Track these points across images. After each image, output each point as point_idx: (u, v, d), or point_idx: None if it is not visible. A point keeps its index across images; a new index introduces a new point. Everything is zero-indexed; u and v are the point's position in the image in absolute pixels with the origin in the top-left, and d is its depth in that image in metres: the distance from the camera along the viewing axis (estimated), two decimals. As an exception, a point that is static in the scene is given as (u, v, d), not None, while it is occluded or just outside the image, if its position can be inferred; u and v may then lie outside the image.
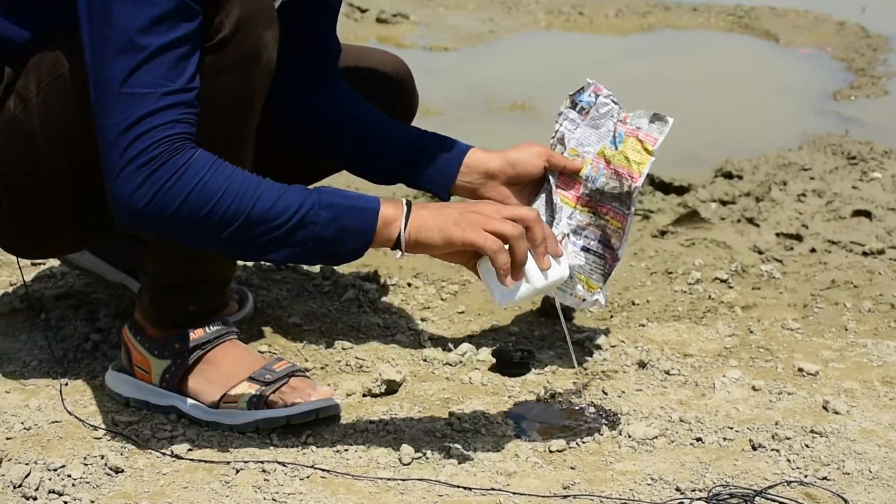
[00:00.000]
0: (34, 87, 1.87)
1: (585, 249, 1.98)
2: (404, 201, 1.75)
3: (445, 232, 1.73)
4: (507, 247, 1.72)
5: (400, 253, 1.76)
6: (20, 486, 1.72)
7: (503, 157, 2.06)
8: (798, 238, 3.05)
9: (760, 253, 2.94)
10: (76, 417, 1.94)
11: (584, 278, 1.97)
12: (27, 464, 1.77)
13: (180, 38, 1.66)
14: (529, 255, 1.75)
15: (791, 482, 1.77)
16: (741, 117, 4.55)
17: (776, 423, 1.97)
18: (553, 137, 2.06)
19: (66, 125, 1.86)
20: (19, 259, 2.30)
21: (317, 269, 2.70)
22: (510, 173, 2.05)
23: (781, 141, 4.07)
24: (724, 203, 3.34)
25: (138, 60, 1.64)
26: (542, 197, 2.03)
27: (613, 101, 2.03)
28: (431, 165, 2.08)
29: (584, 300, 1.98)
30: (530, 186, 2.07)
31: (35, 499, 1.70)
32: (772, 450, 1.88)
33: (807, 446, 1.89)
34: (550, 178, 2.02)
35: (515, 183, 2.06)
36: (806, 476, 1.80)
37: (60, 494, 1.71)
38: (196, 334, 1.96)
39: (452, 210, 1.76)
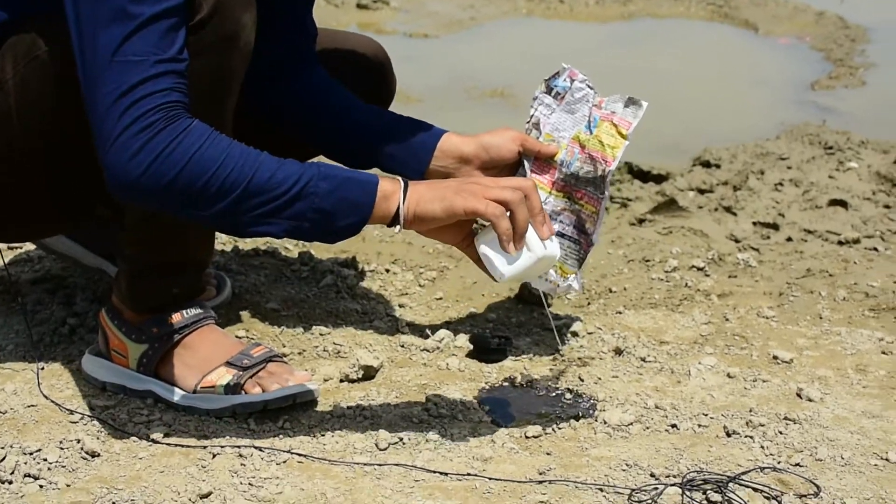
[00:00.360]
0: (10, 69, 1.85)
1: (560, 235, 1.99)
2: (401, 178, 1.76)
3: (446, 202, 1.73)
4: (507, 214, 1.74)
5: (398, 228, 1.74)
6: (-4, 469, 1.72)
7: (477, 141, 2.06)
8: (774, 227, 3.07)
9: (737, 241, 2.95)
10: (52, 401, 1.94)
11: (558, 264, 1.98)
12: (3, 447, 1.76)
13: (170, 8, 1.65)
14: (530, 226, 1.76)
15: (764, 468, 1.79)
16: (720, 107, 4.57)
17: (750, 410, 1.99)
18: (528, 122, 2.07)
19: (43, 107, 1.85)
20: None
21: (295, 254, 2.70)
22: (484, 157, 2.06)
23: (760, 130, 4.09)
24: (701, 192, 3.35)
25: (130, 29, 1.62)
26: None
27: (589, 86, 2.04)
28: (405, 150, 2.08)
29: (558, 286, 2.00)
30: (506, 171, 2.07)
31: (10, 482, 1.69)
32: (746, 436, 1.90)
33: (780, 433, 1.91)
34: (525, 162, 2.03)
35: (490, 167, 2.07)
36: (779, 462, 1.82)
37: (36, 478, 1.71)
38: (174, 318, 1.96)
39: (450, 182, 1.78)
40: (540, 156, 2.02)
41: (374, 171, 1.90)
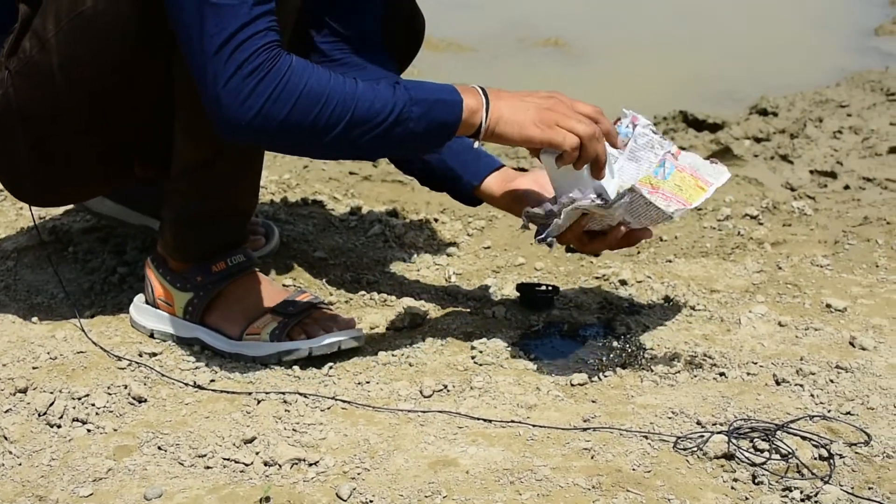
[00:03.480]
0: (52, 27, 1.83)
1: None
2: (479, 89, 1.79)
3: (525, 130, 1.78)
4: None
5: (476, 143, 1.81)
6: (45, 413, 1.74)
7: (533, 177, 2.04)
8: (832, 175, 3.00)
9: (793, 190, 2.90)
10: (101, 348, 1.96)
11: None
12: (52, 392, 1.79)
13: None
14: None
15: (814, 417, 1.76)
16: (778, 53, 4.47)
17: (801, 359, 1.95)
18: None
19: (88, 64, 1.83)
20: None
21: (343, 204, 2.70)
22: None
23: (819, 77, 4.00)
24: (757, 140, 3.29)
25: None
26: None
27: (652, 131, 1.94)
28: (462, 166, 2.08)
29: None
30: None
31: (59, 426, 1.72)
32: (795, 385, 1.87)
33: (831, 381, 1.87)
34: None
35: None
36: (829, 411, 1.79)
37: (84, 423, 1.73)
38: (218, 267, 1.97)
39: (528, 106, 1.79)
40: (608, 138, 1.86)
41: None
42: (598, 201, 1.82)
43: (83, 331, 2.00)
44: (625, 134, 1.93)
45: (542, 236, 1.84)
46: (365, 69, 2.10)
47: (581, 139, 1.78)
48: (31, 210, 2.25)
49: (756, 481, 1.60)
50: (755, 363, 1.94)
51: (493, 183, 2.05)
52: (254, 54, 1.64)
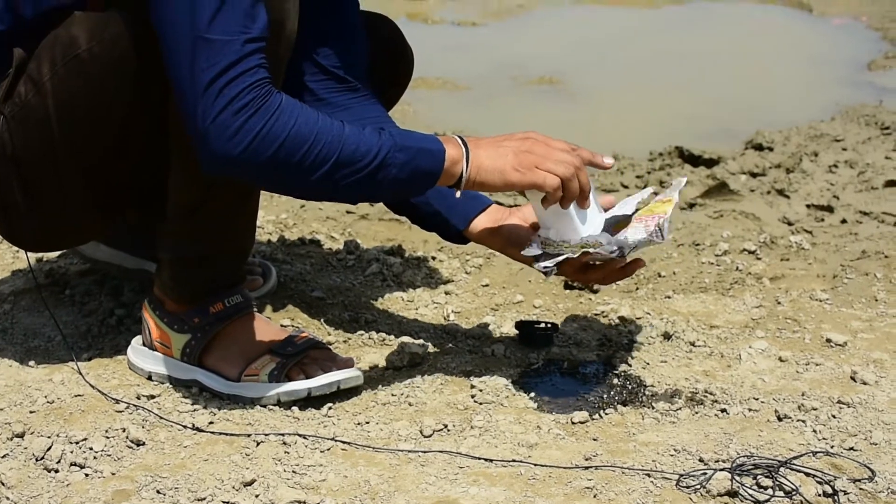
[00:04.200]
0: (47, 70, 1.82)
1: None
2: (459, 139, 1.80)
3: (506, 176, 1.79)
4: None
5: (457, 193, 1.83)
6: (42, 458, 1.72)
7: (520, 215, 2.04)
8: (829, 209, 3.01)
9: (790, 224, 2.90)
10: (98, 391, 1.94)
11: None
12: (49, 436, 1.77)
13: None
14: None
15: (817, 453, 1.75)
16: (773, 89, 4.50)
17: (803, 394, 1.94)
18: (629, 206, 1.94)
19: (83, 107, 1.83)
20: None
21: (340, 243, 2.70)
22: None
23: (814, 112, 4.02)
24: (754, 175, 3.30)
25: (216, 6, 1.64)
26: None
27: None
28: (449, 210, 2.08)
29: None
30: None
31: (57, 471, 1.70)
32: (798, 420, 1.86)
33: (833, 417, 1.86)
34: None
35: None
36: (832, 447, 1.77)
37: (82, 467, 1.72)
38: (215, 308, 1.96)
39: (506, 152, 1.80)
40: (593, 164, 1.90)
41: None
42: (615, 253, 1.82)
43: (80, 374, 1.99)
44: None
45: (547, 265, 1.84)
46: (351, 109, 2.10)
47: (561, 179, 1.79)
48: (26, 254, 2.24)
49: (760, 519, 1.59)
50: (756, 399, 1.93)
51: (481, 224, 2.04)
52: (245, 91, 1.65)
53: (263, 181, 1.78)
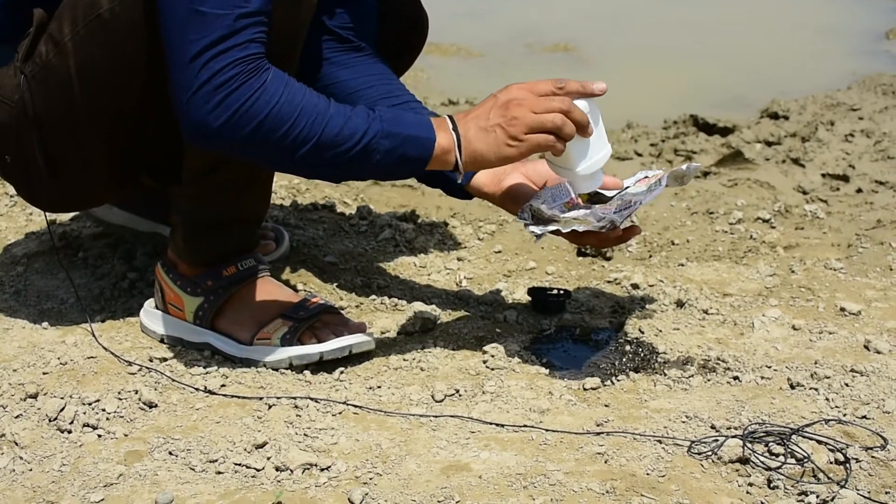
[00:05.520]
0: (68, 30, 1.83)
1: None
2: (450, 125, 1.77)
3: (501, 154, 1.77)
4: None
5: (458, 177, 1.87)
6: (55, 419, 1.73)
7: (524, 171, 2.02)
8: (844, 178, 2.99)
9: (805, 193, 2.88)
10: (111, 353, 1.95)
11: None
12: (62, 398, 1.78)
13: None
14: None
15: (829, 421, 1.74)
16: (790, 58, 4.46)
17: (815, 362, 1.94)
18: (622, 190, 1.91)
19: (104, 67, 1.83)
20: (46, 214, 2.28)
21: (353, 208, 2.69)
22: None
23: (830, 81, 3.99)
24: (769, 144, 3.27)
25: None
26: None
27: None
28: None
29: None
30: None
31: (70, 432, 1.71)
32: (810, 388, 1.85)
33: (846, 385, 1.86)
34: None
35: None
36: (845, 415, 1.77)
37: (94, 428, 1.73)
38: (228, 271, 1.96)
39: (494, 127, 1.76)
40: (585, 94, 1.83)
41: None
42: (606, 228, 1.81)
43: (94, 336, 2.00)
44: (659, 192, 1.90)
45: (536, 230, 1.83)
46: (353, 68, 2.10)
47: (552, 133, 1.75)
48: (45, 215, 2.25)
49: (771, 486, 1.58)
50: (769, 367, 1.93)
51: (483, 179, 2.02)
52: (229, 66, 1.64)
53: (244, 155, 1.75)
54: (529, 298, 2.21)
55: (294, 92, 1.68)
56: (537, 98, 1.76)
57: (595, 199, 1.90)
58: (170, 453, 1.66)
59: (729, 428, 1.72)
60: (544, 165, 1.95)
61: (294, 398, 1.81)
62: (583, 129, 1.77)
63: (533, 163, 1.99)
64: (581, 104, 1.77)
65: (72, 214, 2.55)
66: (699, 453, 1.66)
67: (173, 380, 1.87)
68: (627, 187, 1.90)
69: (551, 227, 1.82)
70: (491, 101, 1.78)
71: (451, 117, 1.79)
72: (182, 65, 1.65)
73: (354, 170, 1.75)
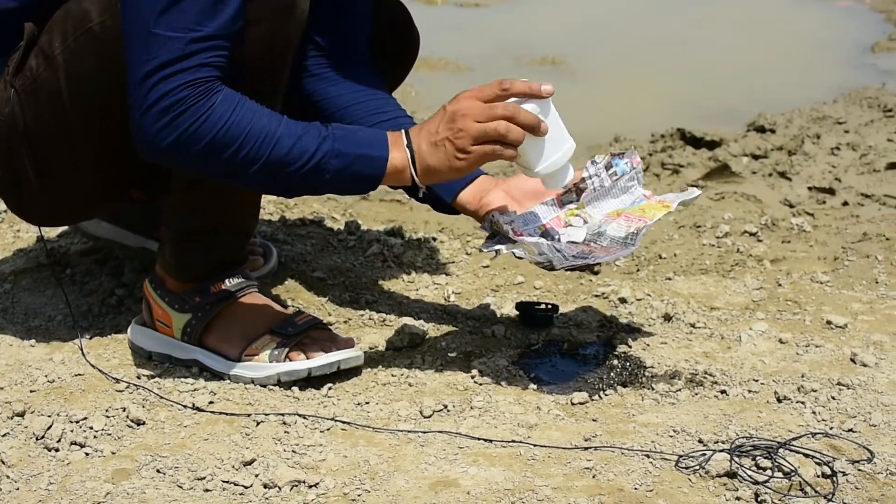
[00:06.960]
0: (59, 44, 1.83)
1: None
2: (405, 141, 1.78)
3: (453, 167, 1.78)
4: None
5: (420, 193, 1.85)
6: (42, 437, 1.73)
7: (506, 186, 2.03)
8: (830, 191, 3.00)
9: (791, 206, 2.89)
10: (99, 370, 1.95)
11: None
12: (50, 416, 1.78)
13: None
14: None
15: (816, 434, 1.75)
16: (776, 71, 4.49)
17: (802, 376, 1.95)
18: (572, 182, 1.90)
19: (95, 81, 1.84)
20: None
21: (342, 224, 2.69)
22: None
23: (817, 94, 4.01)
24: (755, 157, 3.29)
25: (170, 0, 1.64)
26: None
27: (637, 178, 1.95)
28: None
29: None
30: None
31: (57, 450, 1.71)
32: (797, 402, 1.86)
33: (833, 398, 1.87)
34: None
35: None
36: (831, 428, 1.78)
37: (82, 446, 1.72)
38: (216, 287, 1.96)
39: (443, 142, 1.77)
40: (531, 96, 1.81)
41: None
42: (542, 265, 1.83)
43: (82, 353, 2.00)
44: (622, 171, 1.95)
45: (491, 248, 1.86)
46: (345, 84, 2.11)
47: (498, 141, 1.75)
48: (39, 229, 2.25)
49: (759, 499, 1.59)
50: (756, 380, 1.94)
51: (466, 197, 2.03)
52: (178, 88, 1.66)
53: (197, 172, 1.79)
54: (517, 313, 2.22)
55: (244, 113, 1.70)
56: (482, 107, 1.76)
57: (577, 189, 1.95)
58: (157, 471, 1.66)
59: (716, 442, 1.73)
60: (526, 180, 1.96)
61: (282, 415, 1.81)
62: (534, 129, 1.77)
63: (515, 179, 2.00)
64: (530, 106, 1.78)
65: (60, 230, 2.55)
66: (687, 467, 1.66)
67: (161, 397, 1.87)
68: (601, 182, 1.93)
69: (497, 248, 1.85)
70: (440, 114, 1.80)
71: (407, 132, 1.80)
72: (135, 84, 1.68)
73: (307, 187, 1.78)
